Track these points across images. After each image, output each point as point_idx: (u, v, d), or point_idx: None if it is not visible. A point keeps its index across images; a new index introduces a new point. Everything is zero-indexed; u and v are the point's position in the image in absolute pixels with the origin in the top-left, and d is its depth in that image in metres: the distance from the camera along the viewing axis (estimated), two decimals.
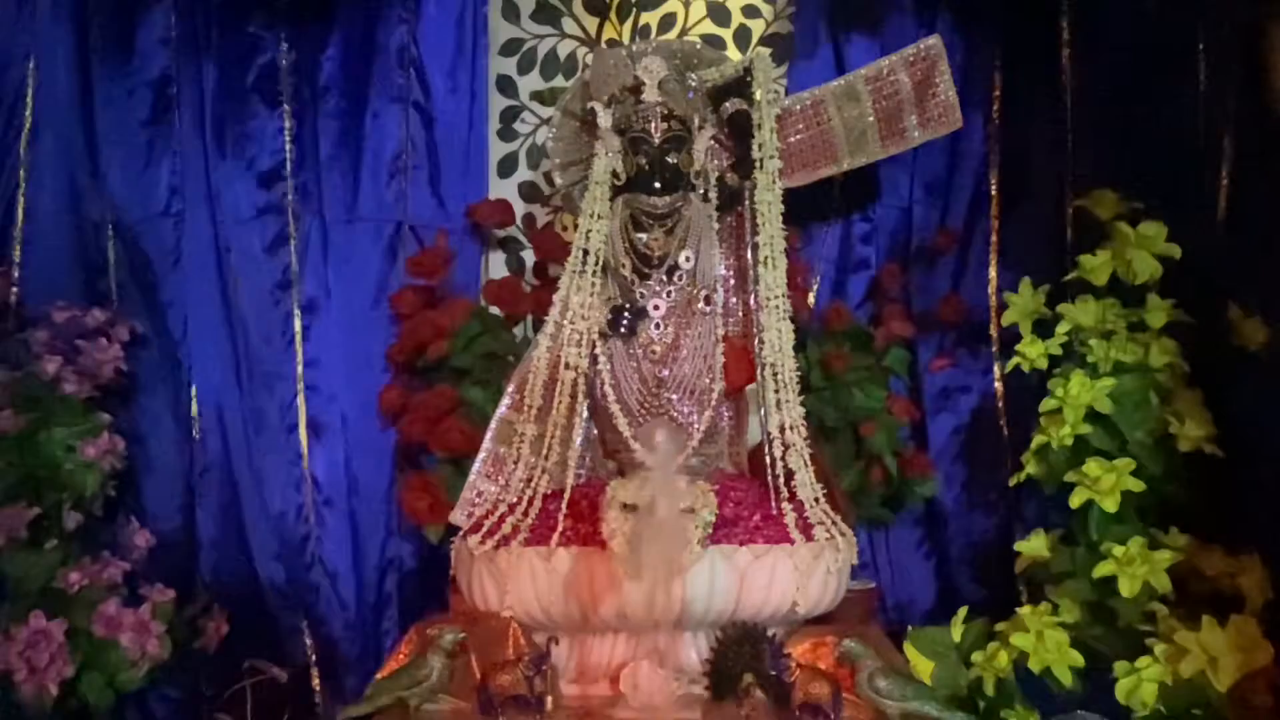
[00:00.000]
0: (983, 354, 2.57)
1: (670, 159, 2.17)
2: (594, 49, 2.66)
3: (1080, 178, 2.48)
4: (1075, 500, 2.08)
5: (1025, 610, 2.08)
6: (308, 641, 2.49)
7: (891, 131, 2.32)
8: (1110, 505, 2.03)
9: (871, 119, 2.31)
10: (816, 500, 1.99)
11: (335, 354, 2.57)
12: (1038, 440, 2.19)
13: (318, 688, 2.48)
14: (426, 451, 2.43)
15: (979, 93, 2.57)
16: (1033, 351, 2.24)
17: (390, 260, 2.58)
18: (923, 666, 2.05)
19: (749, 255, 2.14)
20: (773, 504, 1.96)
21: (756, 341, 2.09)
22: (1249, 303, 2.03)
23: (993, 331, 2.55)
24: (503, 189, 2.68)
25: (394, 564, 2.55)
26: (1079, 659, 2.00)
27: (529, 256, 2.66)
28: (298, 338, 2.56)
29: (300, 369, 2.56)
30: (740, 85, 2.19)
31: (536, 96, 2.70)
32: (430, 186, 2.61)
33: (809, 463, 2.01)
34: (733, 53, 2.63)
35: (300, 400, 2.55)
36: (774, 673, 1.74)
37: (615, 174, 2.18)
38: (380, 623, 2.53)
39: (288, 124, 2.58)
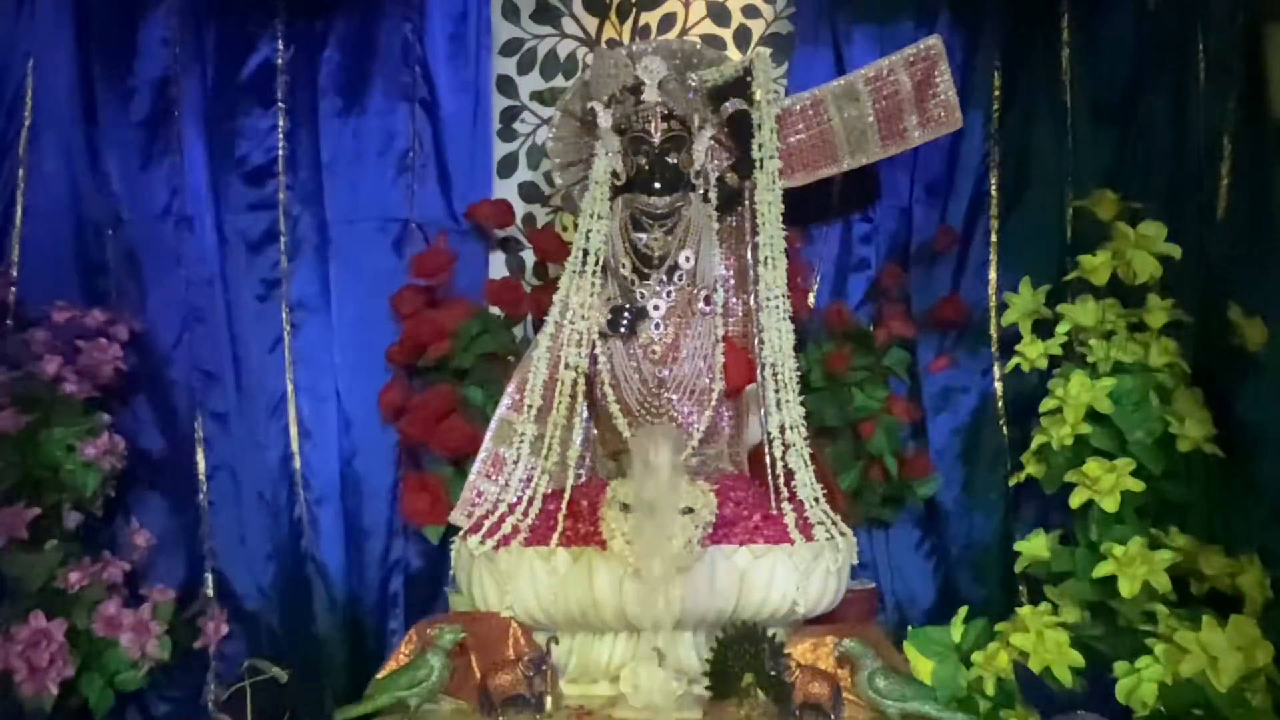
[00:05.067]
0: (983, 354, 2.57)
1: (670, 159, 2.17)
2: (594, 49, 2.66)
3: (1080, 178, 2.48)
4: (1075, 500, 2.08)
5: (1025, 610, 2.07)
6: (306, 641, 2.49)
7: (891, 131, 2.32)
8: (1110, 505, 2.03)
9: (871, 119, 2.31)
10: (816, 500, 1.99)
11: (335, 353, 2.57)
12: (1038, 440, 2.19)
13: (316, 687, 2.48)
14: (427, 451, 2.43)
15: (979, 93, 2.57)
16: (1033, 351, 2.24)
17: (396, 259, 2.58)
18: (923, 666, 2.05)
19: (749, 255, 2.15)
20: (773, 504, 1.96)
21: (756, 341, 2.09)
22: (1249, 303, 2.03)
23: (993, 331, 2.55)
24: (503, 189, 2.67)
25: (398, 564, 2.54)
26: (1079, 659, 2.00)
27: (529, 256, 2.66)
28: (286, 336, 2.57)
29: (290, 369, 2.56)
30: (740, 85, 2.19)
31: (536, 96, 2.70)
32: (438, 185, 2.61)
33: (809, 463, 2.01)
34: (733, 53, 2.63)
35: (291, 400, 2.55)
36: (774, 673, 1.74)
37: (615, 174, 2.18)
38: (385, 622, 2.52)
39: (283, 123, 2.58)
